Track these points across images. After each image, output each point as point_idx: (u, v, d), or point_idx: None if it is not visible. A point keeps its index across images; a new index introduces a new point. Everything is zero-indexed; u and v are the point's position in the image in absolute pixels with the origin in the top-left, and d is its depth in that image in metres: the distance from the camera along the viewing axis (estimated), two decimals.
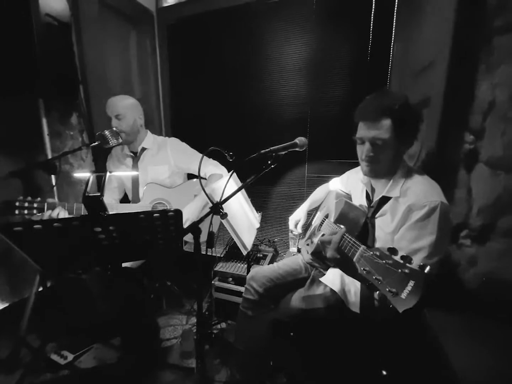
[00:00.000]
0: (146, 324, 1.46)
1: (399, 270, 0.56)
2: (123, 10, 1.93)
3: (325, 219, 1.19)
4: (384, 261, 0.59)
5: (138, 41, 2.11)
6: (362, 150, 0.93)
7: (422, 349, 0.99)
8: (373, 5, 1.63)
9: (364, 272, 0.63)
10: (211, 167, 1.55)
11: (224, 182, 1.00)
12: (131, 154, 1.58)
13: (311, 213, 1.45)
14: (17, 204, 1.19)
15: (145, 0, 2.06)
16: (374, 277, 0.60)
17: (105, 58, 1.82)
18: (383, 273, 0.59)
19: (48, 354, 1.39)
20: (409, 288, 0.53)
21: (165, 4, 2.12)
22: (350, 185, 1.26)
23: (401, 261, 0.56)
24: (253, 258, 1.79)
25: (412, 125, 0.89)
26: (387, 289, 0.56)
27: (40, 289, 1.42)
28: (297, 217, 1.37)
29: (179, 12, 2.08)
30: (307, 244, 1.29)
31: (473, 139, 1.11)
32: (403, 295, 0.53)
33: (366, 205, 1.06)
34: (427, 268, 0.53)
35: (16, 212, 1.19)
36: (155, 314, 1.72)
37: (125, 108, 1.43)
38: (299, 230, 1.37)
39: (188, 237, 1.28)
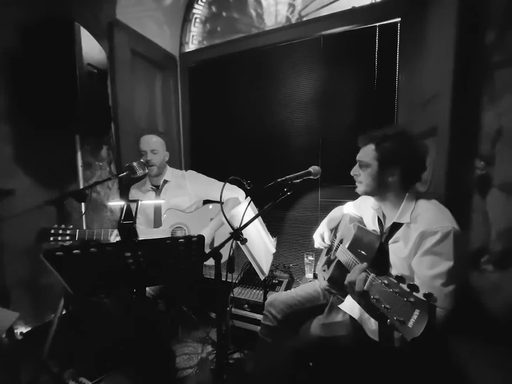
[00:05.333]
0: (162, 352, 1.45)
1: (405, 299, 0.57)
2: (151, 56, 2.18)
3: (339, 245, 1.21)
4: (391, 290, 0.61)
5: (162, 82, 2.35)
6: None
7: (445, 379, 0.94)
8: (377, 41, 1.77)
9: (374, 300, 0.65)
10: (227, 192, 1.65)
11: (241, 208, 1.06)
12: (153, 187, 1.71)
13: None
14: (52, 231, 1.29)
15: (170, 47, 2.34)
16: (383, 306, 0.62)
17: (133, 98, 2.04)
18: (391, 302, 0.60)
19: (66, 381, 1.40)
20: (414, 317, 0.54)
21: (187, 50, 2.41)
22: (363, 210, 1.29)
23: (408, 290, 0.58)
24: (269, 284, 1.79)
25: (396, 154, 0.93)
26: (395, 318, 0.57)
27: (64, 312, 1.47)
28: (320, 231, 1.36)
29: (199, 56, 2.35)
30: (323, 270, 1.30)
31: (484, 165, 1.13)
32: (410, 324, 0.54)
33: (379, 231, 1.08)
34: (433, 298, 0.54)
35: (51, 239, 1.29)
36: (171, 342, 1.71)
37: (159, 145, 1.66)
38: (327, 242, 1.34)
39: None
